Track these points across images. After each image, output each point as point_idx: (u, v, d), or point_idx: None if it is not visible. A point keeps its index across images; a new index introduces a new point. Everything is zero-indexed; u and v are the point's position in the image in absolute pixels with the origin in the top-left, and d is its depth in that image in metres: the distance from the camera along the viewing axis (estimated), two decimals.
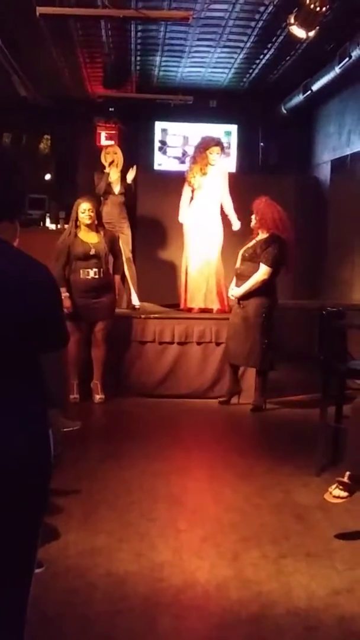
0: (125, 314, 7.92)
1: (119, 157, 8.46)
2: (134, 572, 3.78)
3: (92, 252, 7.14)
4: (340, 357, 5.44)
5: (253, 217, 7.10)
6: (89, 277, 7.17)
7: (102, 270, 7.20)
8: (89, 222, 7.17)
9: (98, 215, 7.36)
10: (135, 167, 8.49)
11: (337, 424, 5.49)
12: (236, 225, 7.97)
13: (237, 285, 7.12)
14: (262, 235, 7.08)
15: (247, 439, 6.58)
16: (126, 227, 8.41)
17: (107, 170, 8.40)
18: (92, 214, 7.17)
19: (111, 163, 8.37)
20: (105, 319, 7.31)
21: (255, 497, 4.93)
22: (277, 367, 7.48)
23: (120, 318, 7.72)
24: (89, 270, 7.16)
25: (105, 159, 8.45)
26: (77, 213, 7.21)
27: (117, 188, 8.40)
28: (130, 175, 8.40)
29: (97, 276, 7.18)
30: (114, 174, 8.36)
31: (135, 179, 8.54)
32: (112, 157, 8.41)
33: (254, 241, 7.13)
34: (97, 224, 7.29)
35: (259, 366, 7.16)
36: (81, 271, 7.16)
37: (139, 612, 3.41)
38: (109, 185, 8.38)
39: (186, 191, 8.13)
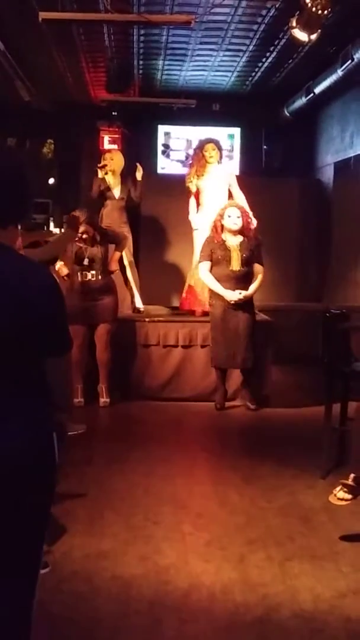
0: (130, 318, 7.93)
1: (115, 163, 8.39)
2: (139, 575, 3.79)
3: (86, 261, 7.23)
4: (344, 359, 5.44)
5: (237, 218, 7.06)
6: (87, 280, 7.24)
7: (99, 273, 7.27)
8: (87, 242, 7.23)
9: (96, 226, 7.37)
10: (139, 165, 8.44)
11: (341, 426, 5.49)
12: (253, 222, 7.87)
13: (235, 288, 7.06)
14: (238, 237, 7.09)
15: (252, 441, 6.58)
16: (126, 232, 8.41)
17: (100, 175, 8.38)
18: (87, 235, 7.21)
19: (102, 167, 8.34)
20: (107, 321, 7.33)
21: (260, 499, 4.93)
22: (278, 368, 7.54)
23: (125, 322, 7.74)
24: (87, 272, 7.24)
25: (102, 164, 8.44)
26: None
27: (117, 192, 8.39)
28: (139, 175, 8.36)
29: (94, 278, 7.26)
30: (109, 179, 8.34)
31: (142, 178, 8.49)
32: (106, 161, 8.37)
33: (237, 242, 7.08)
34: (95, 235, 7.30)
35: (253, 365, 7.22)
36: (79, 274, 7.24)
37: (144, 615, 3.41)
38: (108, 189, 8.37)
39: (191, 201, 8.11)
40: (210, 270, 7.15)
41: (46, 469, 2.32)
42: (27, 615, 2.35)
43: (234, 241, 7.09)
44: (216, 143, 8.07)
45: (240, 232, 7.11)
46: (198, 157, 7.98)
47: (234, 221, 7.05)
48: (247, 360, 7.14)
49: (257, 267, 7.15)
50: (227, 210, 7.10)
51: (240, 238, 7.11)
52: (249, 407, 7.27)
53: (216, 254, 7.12)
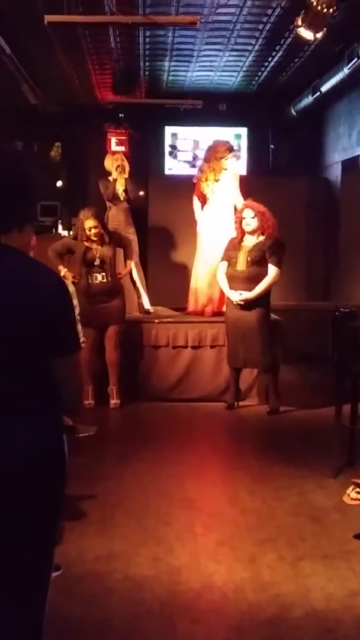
0: (139, 319, 7.93)
1: (126, 163, 8.51)
2: (151, 576, 3.79)
3: (97, 262, 7.24)
4: (353, 357, 5.43)
5: (251, 219, 7.06)
6: (97, 282, 7.24)
7: (109, 274, 7.26)
8: (95, 239, 7.23)
9: (103, 225, 7.38)
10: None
11: (352, 425, 5.48)
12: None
13: (240, 289, 7.05)
14: (259, 238, 7.07)
15: (262, 441, 6.57)
16: (132, 234, 8.45)
17: (114, 176, 8.44)
18: (96, 231, 7.21)
19: (117, 167, 8.40)
20: (116, 324, 7.34)
21: (271, 499, 4.92)
22: (287, 368, 7.53)
23: (134, 323, 7.74)
24: (96, 275, 7.24)
25: (111, 165, 8.49)
26: (83, 229, 7.26)
27: (123, 194, 8.45)
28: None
29: (104, 280, 7.26)
30: (121, 181, 8.40)
31: (145, 186, 8.60)
32: (119, 162, 8.45)
33: (253, 243, 7.08)
34: (103, 234, 7.31)
35: (273, 368, 7.18)
36: (88, 276, 7.24)
37: (157, 616, 3.42)
38: (115, 192, 8.43)
39: (196, 203, 8.09)
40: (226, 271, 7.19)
41: (56, 471, 2.31)
42: (39, 620, 2.35)
43: (250, 242, 7.09)
44: (233, 150, 8.12)
45: (260, 232, 7.09)
46: (215, 164, 7.93)
47: (247, 222, 7.07)
48: (261, 363, 7.11)
49: (270, 269, 7.05)
50: (243, 212, 7.12)
51: (257, 239, 7.09)
52: (267, 411, 7.23)
53: (229, 254, 7.15)
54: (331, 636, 3.27)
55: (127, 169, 8.49)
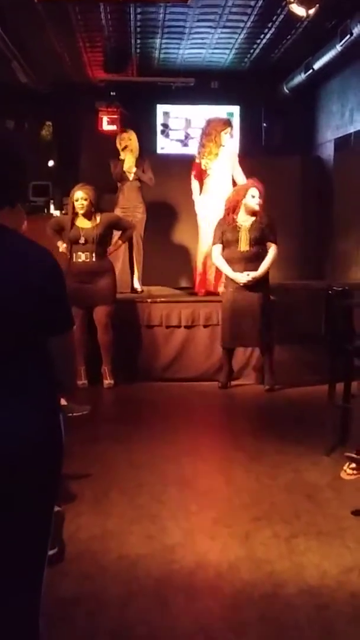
0: (132, 299, 7.92)
1: (134, 143, 8.50)
2: (145, 554, 3.80)
3: (82, 240, 7.20)
4: (347, 336, 5.44)
5: (259, 198, 7.03)
6: (80, 261, 7.22)
7: (93, 254, 7.22)
8: (81, 211, 7.19)
9: (95, 202, 7.31)
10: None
11: (345, 403, 5.50)
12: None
13: (244, 270, 7.03)
14: (255, 217, 7.05)
15: (256, 420, 6.59)
16: (140, 212, 8.49)
17: (121, 156, 8.43)
18: (84, 203, 7.17)
19: (125, 148, 8.39)
20: (104, 304, 7.30)
21: (265, 477, 4.94)
22: (281, 347, 7.54)
23: (127, 303, 7.73)
24: (81, 254, 7.22)
25: (119, 145, 8.48)
26: (72, 201, 7.25)
27: (132, 174, 8.42)
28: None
29: (87, 260, 7.23)
30: (128, 160, 8.38)
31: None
32: (126, 142, 8.44)
33: (249, 222, 7.04)
34: (94, 212, 7.26)
35: (270, 346, 7.18)
36: (74, 255, 7.24)
37: (151, 594, 3.43)
38: (124, 171, 8.41)
39: (194, 183, 8.03)
40: (223, 252, 7.14)
41: (54, 450, 2.31)
42: (36, 598, 2.35)
43: (247, 222, 7.05)
44: (231, 125, 8.08)
45: (254, 212, 7.07)
46: (212, 137, 7.87)
47: (257, 201, 7.04)
48: (254, 340, 7.12)
49: (271, 247, 7.10)
50: (251, 190, 7.07)
51: (252, 218, 7.07)
52: (266, 389, 7.25)
53: (226, 235, 7.10)
54: (325, 613, 3.28)
55: (136, 148, 8.47)
